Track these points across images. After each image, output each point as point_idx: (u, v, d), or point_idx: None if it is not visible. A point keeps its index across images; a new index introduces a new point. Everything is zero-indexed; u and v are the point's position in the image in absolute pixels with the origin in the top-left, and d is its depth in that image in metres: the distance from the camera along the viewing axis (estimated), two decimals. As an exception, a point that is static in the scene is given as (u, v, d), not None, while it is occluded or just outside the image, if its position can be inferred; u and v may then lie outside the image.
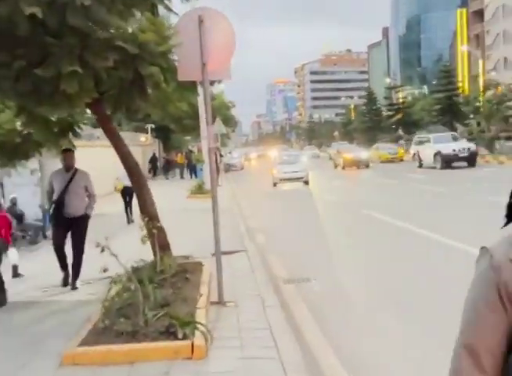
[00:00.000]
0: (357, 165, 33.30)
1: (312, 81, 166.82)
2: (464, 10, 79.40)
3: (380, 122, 71.34)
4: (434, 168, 27.60)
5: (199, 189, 20.24)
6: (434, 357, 4.27)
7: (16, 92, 4.86)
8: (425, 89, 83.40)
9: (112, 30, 4.60)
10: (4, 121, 7.24)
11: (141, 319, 4.44)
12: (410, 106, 63.14)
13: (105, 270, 4.39)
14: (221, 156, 28.19)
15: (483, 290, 1.08)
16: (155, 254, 6.48)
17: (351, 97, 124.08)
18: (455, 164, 27.12)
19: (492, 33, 67.31)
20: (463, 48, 67.05)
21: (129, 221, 14.19)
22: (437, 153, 27.40)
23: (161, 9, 5.40)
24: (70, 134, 7.52)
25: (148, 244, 6.32)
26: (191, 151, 36.70)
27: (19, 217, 11.25)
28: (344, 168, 33.33)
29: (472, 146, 28.18)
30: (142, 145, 35.77)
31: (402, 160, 38.12)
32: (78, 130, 7.63)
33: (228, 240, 9.23)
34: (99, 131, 11.28)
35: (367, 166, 33.48)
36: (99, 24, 4.52)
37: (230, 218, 13.16)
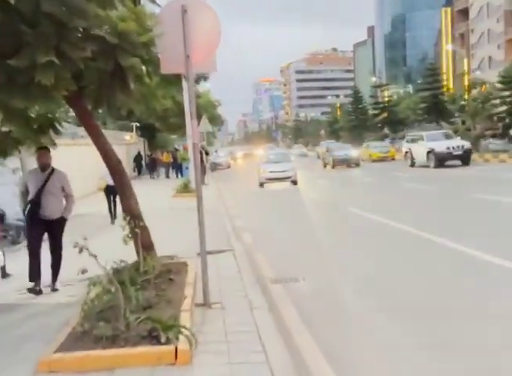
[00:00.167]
0: (347, 164, 32.62)
1: (298, 80, 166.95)
2: (449, 9, 79.94)
3: (366, 121, 71.62)
4: (427, 166, 26.97)
5: (185, 188, 20.01)
6: (428, 359, 4.13)
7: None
8: (410, 88, 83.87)
9: (90, 19, 4.35)
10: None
11: (122, 323, 4.22)
12: (396, 105, 63.40)
13: (83, 272, 4.15)
14: (207, 154, 27.87)
15: None
16: (138, 255, 6.26)
17: (337, 96, 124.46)
18: (448, 162, 26.47)
19: (476, 32, 67.79)
20: (447, 47, 67.38)
21: (113, 220, 13.94)
22: (430, 152, 26.69)
23: (143, -1, 5.19)
24: (51, 131, 7.28)
25: (132, 244, 6.11)
26: (177, 150, 36.35)
27: (0, 217, 10.98)
28: (333, 167, 32.68)
29: (466, 143, 27.48)
30: (127, 143, 35.39)
31: (393, 158, 37.39)
32: (59, 127, 7.36)
33: (214, 239, 9.03)
34: (84, 130, 11.05)
35: (357, 165, 32.86)
36: (77, 12, 4.28)
37: (216, 217, 12.95)
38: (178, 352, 3.94)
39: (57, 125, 7.28)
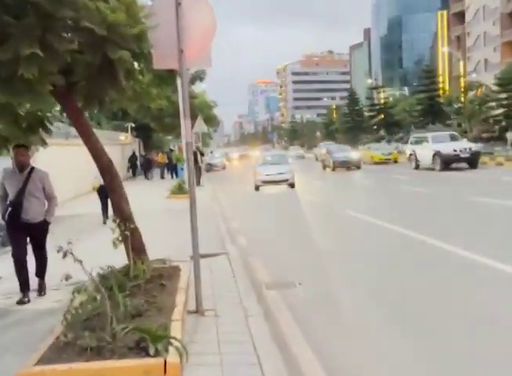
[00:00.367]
0: (348, 167, 31.62)
1: (294, 82, 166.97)
2: (445, 12, 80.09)
3: (362, 123, 71.54)
4: (432, 169, 25.88)
5: (179, 189, 19.72)
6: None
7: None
8: (406, 90, 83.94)
9: (78, 10, 4.09)
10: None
11: (108, 333, 3.95)
12: (392, 107, 63.30)
13: (67, 278, 3.89)
14: (202, 155, 27.55)
15: None
16: (129, 259, 6.00)
17: (333, 98, 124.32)
18: (454, 165, 25.36)
19: (472, 34, 67.87)
20: (444, 49, 67.50)
21: (106, 220, 13.70)
22: (436, 154, 25.56)
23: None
24: (41, 130, 7.00)
25: (123, 246, 5.84)
26: (172, 150, 36.05)
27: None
28: (333, 169, 31.62)
29: (474, 145, 26.38)
30: (122, 144, 35.10)
31: (396, 161, 36.17)
32: (50, 126, 7.09)
33: (208, 242, 8.79)
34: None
35: (358, 167, 31.73)
36: (64, 2, 4.02)
37: (211, 218, 12.71)
38: (168, 365, 3.68)
39: (47, 124, 7.02)
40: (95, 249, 7.26)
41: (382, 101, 67.07)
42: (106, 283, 4.82)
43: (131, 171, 35.03)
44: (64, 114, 7.87)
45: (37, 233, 6.47)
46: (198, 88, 35.16)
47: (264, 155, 27.02)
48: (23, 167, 6.42)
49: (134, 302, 4.74)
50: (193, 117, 24.20)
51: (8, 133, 6.79)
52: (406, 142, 42.34)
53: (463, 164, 25.52)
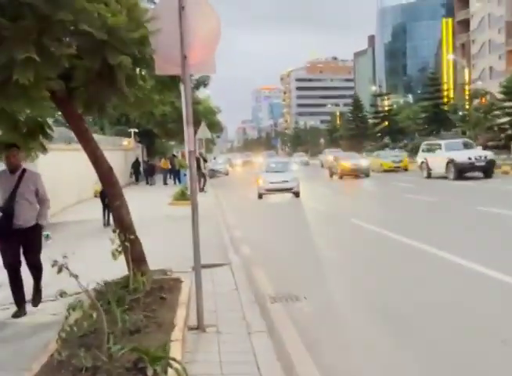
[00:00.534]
0: (356, 174, 30.53)
1: (298, 88, 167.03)
2: (450, 19, 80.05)
3: (366, 130, 71.35)
4: (445, 178, 24.81)
5: (182, 196, 19.55)
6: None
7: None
8: (410, 98, 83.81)
9: (77, 12, 3.91)
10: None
11: (104, 352, 3.75)
12: (396, 114, 63.10)
13: (62, 294, 3.69)
14: (205, 161, 27.38)
15: None
16: (129, 270, 5.80)
17: (337, 105, 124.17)
18: (469, 174, 24.30)
19: (477, 42, 67.76)
20: (449, 56, 67.30)
21: (106, 224, 13.62)
22: (450, 162, 24.41)
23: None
24: (41, 136, 6.83)
25: (123, 255, 5.65)
26: (174, 156, 35.91)
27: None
28: (341, 177, 30.61)
29: (489, 154, 25.27)
30: (125, 149, 34.97)
31: (406, 169, 34.87)
32: (50, 132, 6.92)
33: (210, 251, 8.59)
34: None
35: (367, 175, 30.69)
36: (62, 4, 3.84)
37: (214, 226, 12.51)
38: (167, 389, 3.47)
39: (47, 130, 6.86)
40: (96, 256, 7.08)
41: (386, 108, 66.90)
42: (104, 296, 4.63)
43: (134, 176, 34.89)
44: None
45: (30, 237, 6.10)
46: (202, 93, 35.10)
47: (268, 162, 26.08)
48: (14, 169, 6.11)
49: (132, 318, 4.54)
50: (197, 123, 24.09)
51: (7, 139, 6.63)
52: (411, 150, 42.24)
53: (476, 173, 24.60)
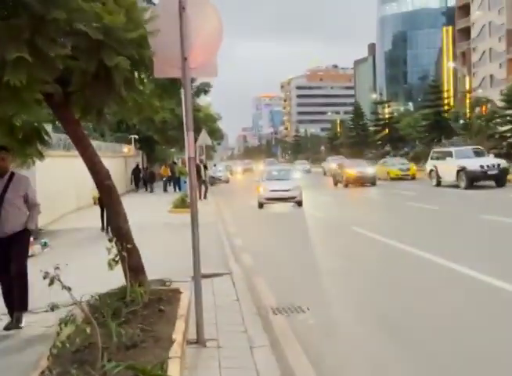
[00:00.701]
0: (362, 183, 29.45)
1: (298, 96, 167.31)
2: (450, 28, 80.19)
3: (366, 137, 71.22)
4: (455, 186, 23.95)
5: (182, 203, 19.34)
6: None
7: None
8: (411, 106, 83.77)
9: (72, 11, 3.73)
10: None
11: (98, 371, 3.53)
12: (397, 122, 62.97)
13: (53, 308, 3.48)
14: (205, 168, 27.13)
15: None
16: (126, 281, 5.58)
17: (338, 112, 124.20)
18: (480, 183, 23.44)
19: (478, 50, 67.86)
20: (449, 64, 67.33)
21: (103, 228, 13.47)
22: (461, 170, 23.55)
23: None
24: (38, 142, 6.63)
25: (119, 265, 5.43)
26: (175, 163, 35.72)
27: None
28: (346, 185, 29.52)
29: (502, 162, 24.19)
30: (125, 156, 34.80)
31: (413, 177, 33.84)
32: (47, 138, 6.73)
33: (211, 260, 8.38)
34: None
35: (373, 184, 29.56)
36: (56, 3, 3.66)
37: (214, 235, 12.30)
38: (164, 410, 3.26)
39: (44, 136, 6.67)
40: (94, 265, 6.87)
41: (387, 116, 66.79)
42: (99, 309, 4.41)
43: (134, 183, 34.71)
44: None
45: (17, 243, 5.70)
46: (203, 101, 34.96)
47: (269, 169, 25.07)
48: (2, 172, 5.80)
49: (129, 332, 4.31)
50: (197, 131, 23.90)
51: (3, 144, 6.45)
52: (412, 158, 42.06)
53: (487, 182, 23.72)
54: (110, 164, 18.11)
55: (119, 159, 31.87)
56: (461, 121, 46.42)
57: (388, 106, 69.66)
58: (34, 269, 5.99)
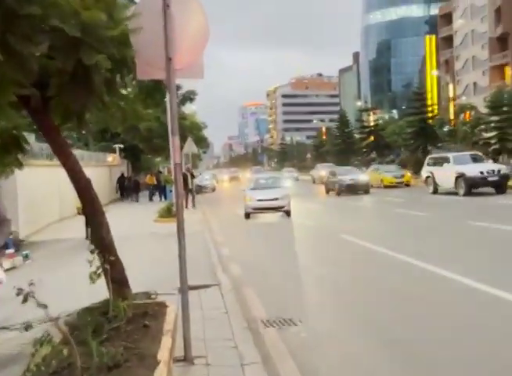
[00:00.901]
0: (355, 191, 28.50)
1: (284, 104, 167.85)
2: (433, 36, 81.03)
3: (352, 144, 71.37)
4: (453, 193, 23.11)
5: (168, 212, 19.01)
6: None
7: None
8: (395, 113, 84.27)
9: (46, 6, 3.47)
10: None
11: (77, 394, 3.24)
12: (382, 129, 63.21)
13: (27, 328, 3.19)
14: (193, 177, 26.78)
15: None
16: (109, 295, 5.28)
17: (323, 120, 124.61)
18: (479, 189, 22.66)
19: (461, 58, 68.59)
20: (433, 73, 67.90)
21: (88, 236, 13.14)
22: (460, 176, 22.79)
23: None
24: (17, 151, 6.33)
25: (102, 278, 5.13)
26: (160, 172, 35.34)
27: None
28: (338, 193, 28.64)
29: (503, 167, 23.44)
30: (110, 165, 34.36)
31: (408, 184, 33.06)
32: (26, 146, 6.44)
33: (198, 270, 8.09)
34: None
35: (367, 192, 28.75)
36: (29, -3, 3.40)
37: (201, 244, 12.01)
38: None
39: (23, 144, 6.37)
40: (75, 278, 6.58)
41: (372, 123, 66.99)
42: (79, 326, 4.12)
43: (119, 193, 34.25)
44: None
45: None
46: (188, 109, 34.70)
47: (256, 177, 23.98)
48: None
49: (111, 351, 4.02)
50: (183, 139, 23.62)
51: (-21, 153, 6.14)
52: (398, 165, 42.05)
53: (487, 189, 22.87)
54: (94, 173, 17.77)
55: (103, 168, 31.43)
56: (446, 128, 46.66)
57: (374, 114, 69.88)
58: (13, 283, 5.66)
